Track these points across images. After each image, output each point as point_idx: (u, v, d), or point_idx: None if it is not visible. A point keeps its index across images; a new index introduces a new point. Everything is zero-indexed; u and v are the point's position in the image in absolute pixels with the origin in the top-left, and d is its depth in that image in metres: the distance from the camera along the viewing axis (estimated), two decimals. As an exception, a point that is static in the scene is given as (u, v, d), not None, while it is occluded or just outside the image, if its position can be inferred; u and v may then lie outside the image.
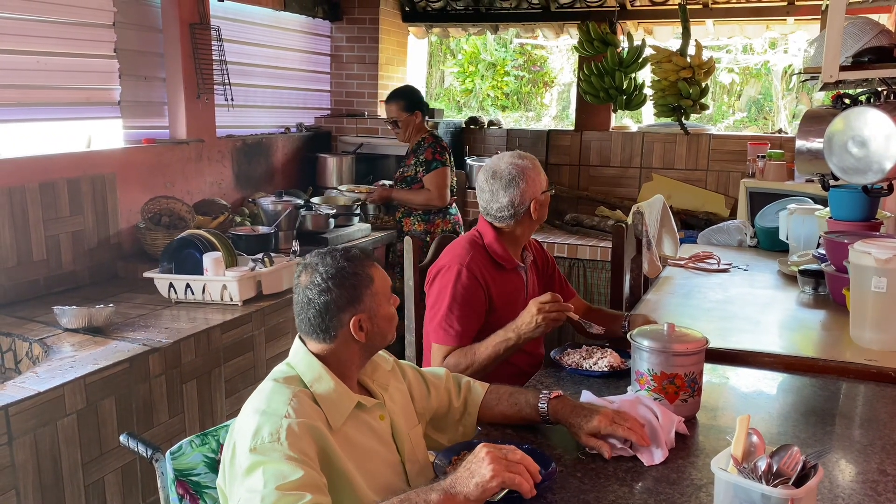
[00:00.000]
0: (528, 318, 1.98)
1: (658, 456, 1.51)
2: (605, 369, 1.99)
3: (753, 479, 1.14)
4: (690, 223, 4.47)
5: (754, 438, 1.25)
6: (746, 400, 1.89)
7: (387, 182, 4.21)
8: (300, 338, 1.50)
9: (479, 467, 1.22)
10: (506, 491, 1.26)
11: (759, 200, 3.95)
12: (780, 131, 4.99)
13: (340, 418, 1.40)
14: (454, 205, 3.87)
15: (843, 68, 2.41)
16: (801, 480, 1.16)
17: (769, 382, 2.00)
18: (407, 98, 3.77)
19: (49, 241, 2.94)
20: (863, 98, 2.69)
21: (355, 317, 1.44)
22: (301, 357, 1.47)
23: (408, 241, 2.43)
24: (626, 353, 2.07)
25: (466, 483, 1.21)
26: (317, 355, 1.45)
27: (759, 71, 9.26)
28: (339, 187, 4.41)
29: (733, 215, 4.42)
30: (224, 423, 1.57)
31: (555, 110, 9.94)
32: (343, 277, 1.44)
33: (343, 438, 1.39)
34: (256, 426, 1.29)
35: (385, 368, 1.58)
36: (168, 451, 1.46)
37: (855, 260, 2.15)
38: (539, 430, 1.66)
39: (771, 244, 3.49)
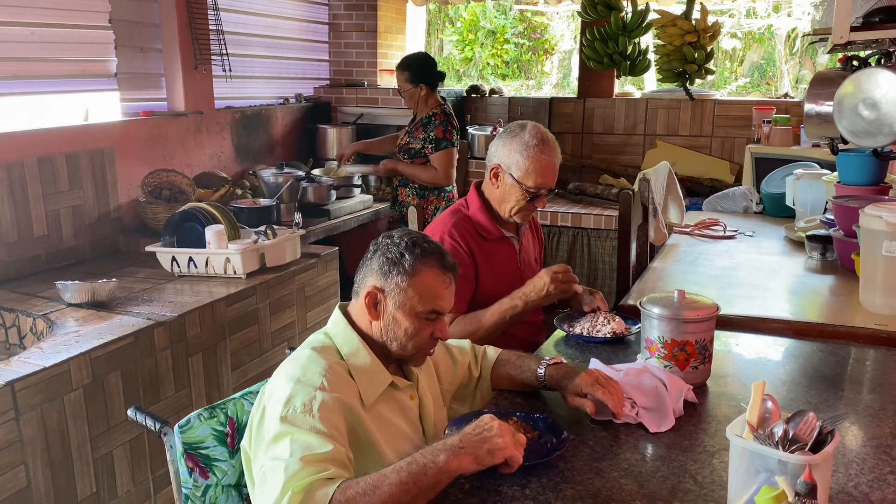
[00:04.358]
0: (541, 285, 2.00)
1: (664, 424, 1.50)
2: (609, 335, 1.98)
3: (770, 446, 1.13)
4: (695, 190, 4.43)
5: (769, 405, 1.24)
6: (756, 366, 1.87)
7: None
8: (340, 308, 1.50)
9: (491, 435, 1.22)
10: None
11: (764, 166, 3.91)
12: (785, 95, 4.93)
13: (373, 395, 1.40)
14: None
15: (853, 29, 2.36)
16: (817, 446, 1.14)
17: (778, 348, 1.99)
18: (412, 69, 3.64)
19: (49, 216, 2.91)
20: (873, 60, 2.64)
21: (374, 288, 1.42)
22: (341, 329, 1.46)
23: (412, 210, 2.40)
24: (631, 319, 2.06)
25: (478, 446, 1.21)
26: (356, 329, 1.45)
27: (763, 35, 9.14)
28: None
29: (738, 181, 4.38)
30: (231, 396, 1.56)
31: (555, 78, 9.83)
32: (391, 252, 1.42)
33: (374, 414, 1.38)
34: (289, 394, 1.29)
35: None
36: (176, 425, 1.45)
37: (866, 224, 2.12)
38: (549, 399, 1.65)
39: (777, 210, 3.47)
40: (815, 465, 1.09)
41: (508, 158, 2.09)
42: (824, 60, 8.44)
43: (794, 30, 8.82)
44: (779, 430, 1.15)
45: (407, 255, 1.41)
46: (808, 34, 2.87)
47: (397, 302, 1.41)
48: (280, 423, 1.25)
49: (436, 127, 3.57)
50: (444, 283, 1.44)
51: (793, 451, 1.12)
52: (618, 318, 2.05)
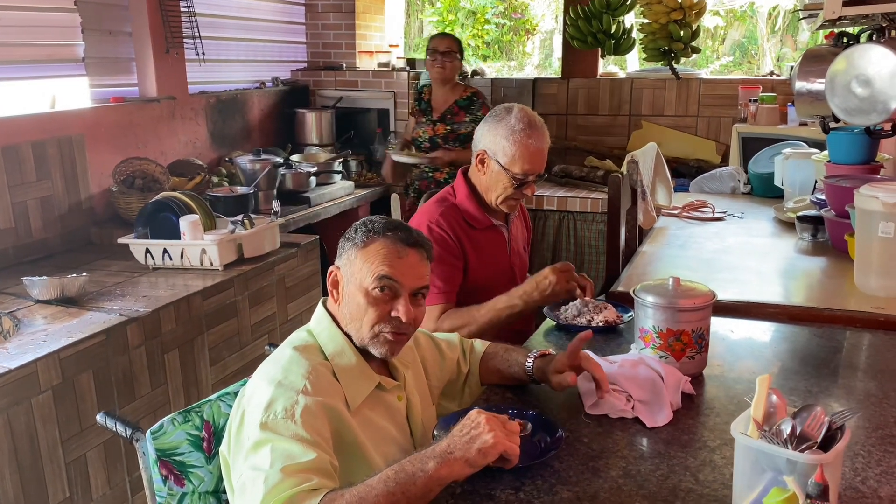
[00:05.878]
0: (545, 284, 1.90)
1: (661, 418, 1.44)
2: (600, 324, 1.91)
3: (778, 444, 1.07)
4: (681, 171, 4.37)
5: (774, 399, 1.17)
6: (752, 353, 1.82)
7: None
8: (324, 304, 1.43)
9: (479, 432, 1.15)
10: None
11: (751, 146, 3.85)
12: (771, 73, 4.87)
13: (359, 397, 1.32)
14: None
15: (845, 3, 2.30)
16: (825, 442, 1.09)
17: (773, 334, 1.94)
18: (460, 44, 3.82)
19: (16, 207, 2.79)
20: (864, 36, 2.58)
21: (334, 268, 1.39)
22: (324, 326, 1.38)
23: (395, 198, 2.32)
24: (622, 306, 2.00)
25: (467, 448, 1.13)
26: (339, 327, 1.38)
27: (744, 13, 9.09)
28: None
29: (724, 162, 4.32)
30: (207, 399, 1.48)
31: (537, 59, 9.73)
32: (349, 233, 1.40)
33: (360, 417, 1.31)
34: (270, 399, 1.21)
35: (408, 345, 1.45)
36: (148, 431, 1.37)
37: (861, 204, 2.07)
38: (542, 395, 1.58)
39: (765, 190, 3.41)
40: (826, 464, 1.03)
41: (494, 144, 2.01)
42: (805, 38, 8.41)
43: (775, 7, 8.78)
44: (787, 428, 1.09)
45: (360, 230, 1.37)
46: (798, 10, 2.80)
47: (349, 276, 1.36)
48: (260, 430, 1.17)
49: (480, 107, 3.71)
50: (397, 253, 1.34)
51: (802, 450, 1.06)
52: (609, 306, 1.98)
